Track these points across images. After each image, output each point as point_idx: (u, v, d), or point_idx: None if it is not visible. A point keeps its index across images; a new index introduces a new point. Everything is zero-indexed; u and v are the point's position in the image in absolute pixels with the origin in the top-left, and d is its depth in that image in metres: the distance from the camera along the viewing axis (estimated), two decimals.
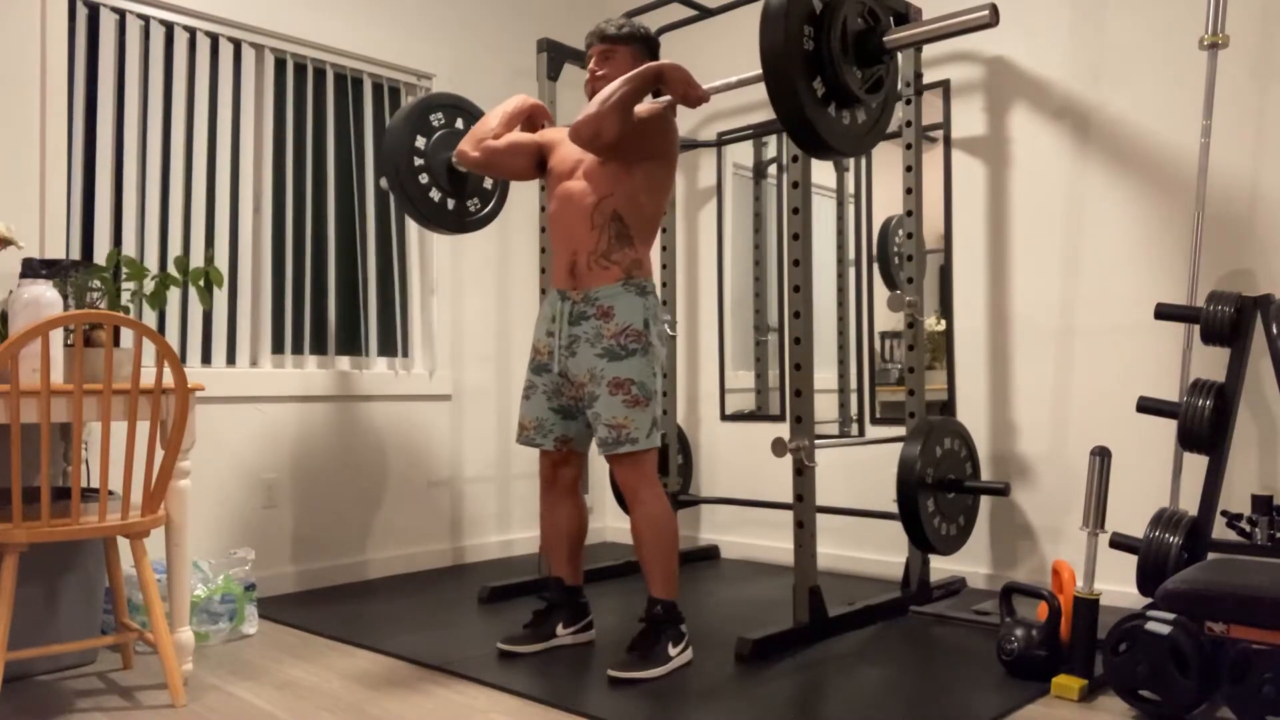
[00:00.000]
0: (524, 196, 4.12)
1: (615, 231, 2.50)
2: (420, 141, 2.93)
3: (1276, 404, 2.74)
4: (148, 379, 2.54)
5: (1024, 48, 3.24)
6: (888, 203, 3.59)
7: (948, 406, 3.38)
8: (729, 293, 4.09)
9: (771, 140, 3.97)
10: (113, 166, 3.05)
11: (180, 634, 2.40)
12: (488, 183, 3.09)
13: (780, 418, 3.89)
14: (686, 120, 4.21)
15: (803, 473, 2.64)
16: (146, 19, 3.13)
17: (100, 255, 2.99)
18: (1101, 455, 2.30)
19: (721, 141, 4.09)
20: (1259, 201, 2.78)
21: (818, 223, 3.63)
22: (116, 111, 3.07)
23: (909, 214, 3.14)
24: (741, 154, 4.07)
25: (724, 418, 4.07)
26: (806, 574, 2.66)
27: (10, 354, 2.06)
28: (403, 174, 2.88)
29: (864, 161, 3.65)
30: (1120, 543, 2.56)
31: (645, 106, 2.49)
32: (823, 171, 3.71)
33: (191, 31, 3.23)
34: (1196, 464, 2.69)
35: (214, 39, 3.28)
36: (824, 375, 3.63)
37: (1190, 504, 2.68)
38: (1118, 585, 2.94)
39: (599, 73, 2.58)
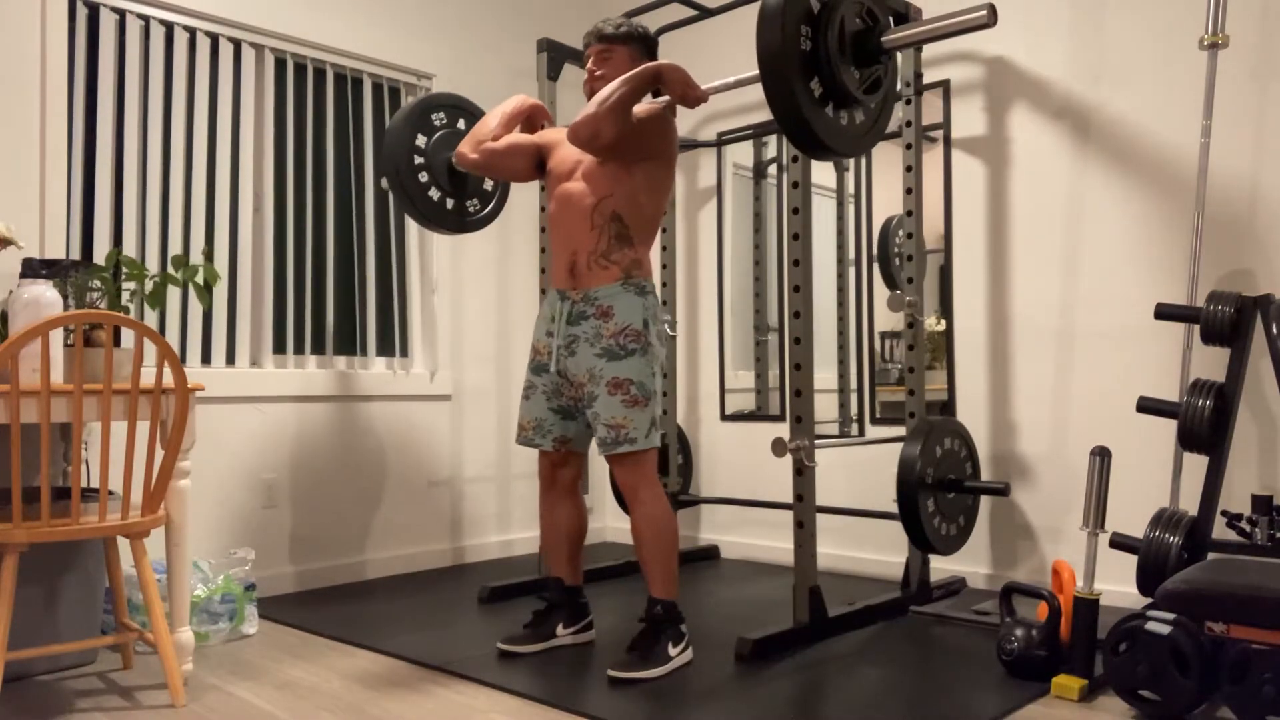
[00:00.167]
0: (524, 197, 4.12)
1: (615, 232, 2.50)
2: (421, 141, 2.93)
3: (1276, 404, 2.74)
4: (148, 379, 2.54)
5: (1024, 48, 3.24)
6: (888, 203, 3.59)
7: (948, 406, 3.38)
8: (729, 293, 4.09)
9: (771, 140, 3.97)
10: (113, 166, 3.05)
11: (180, 634, 2.40)
12: (488, 183, 3.09)
13: (780, 418, 3.89)
14: (686, 120, 4.21)
15: (803, 473, 2.64)
16: (146, 19, 3.13)
17: (100, 255, 2.99)
18: (1101, 455, 2.29)
19: (721, 141, 4.09)
20: (1259, 201, 2.78)
21: (818, 223, 3.63)
22: (116, 111, 3.07)
23: (909, 214, 3.14)
24: (741, 154, 4.07)
25: (724, 418, 4.06)
26: (806, 574, 2.66)
27: (10, 354, 2.06)
28: (403, 174, 2.88)
29: (864, 161, 3.65)
30: (1120, 543, 2.56)
31: (644, 107, 2.48)
32: (823, 171, 3.71)
33: (191, 31, 3.23)
34: (1196, 464, 2.69)
35: (214, 39, 3.28)
36: (824, 375, 3.63)
37: (1190, 504, 2.68)
38: (1118, 585, 2.94)
39: (597, 73, 2.58)
